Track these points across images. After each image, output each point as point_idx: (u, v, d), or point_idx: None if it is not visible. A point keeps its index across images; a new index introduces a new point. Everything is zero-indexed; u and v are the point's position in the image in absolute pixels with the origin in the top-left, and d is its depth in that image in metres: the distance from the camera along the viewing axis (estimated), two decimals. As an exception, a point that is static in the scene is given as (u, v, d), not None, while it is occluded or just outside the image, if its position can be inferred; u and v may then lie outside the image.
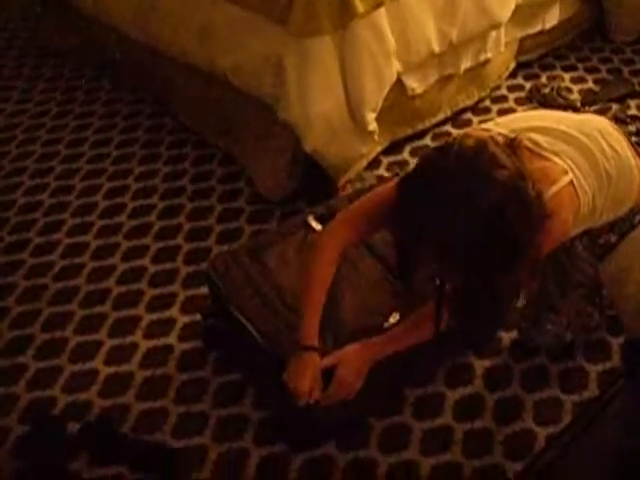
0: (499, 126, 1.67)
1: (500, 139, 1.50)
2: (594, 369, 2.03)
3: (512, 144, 1.47)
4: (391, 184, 1.63)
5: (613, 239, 1.78)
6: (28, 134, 3.12)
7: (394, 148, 2.84)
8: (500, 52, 2.99)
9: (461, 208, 1.33)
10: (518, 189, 1.36)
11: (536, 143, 1.59)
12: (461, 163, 1.36)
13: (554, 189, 1.52)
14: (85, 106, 3.26)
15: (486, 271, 1.40)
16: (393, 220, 1.54)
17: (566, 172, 1.55)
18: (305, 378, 1.68)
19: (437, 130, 2.95)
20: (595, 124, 1.74)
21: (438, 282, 1.63)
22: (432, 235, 1.37)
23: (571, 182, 1.55)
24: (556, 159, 1.57)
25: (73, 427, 1.94)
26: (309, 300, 1.73)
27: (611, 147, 1.67)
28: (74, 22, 3.44)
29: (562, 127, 1.66)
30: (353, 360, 1.72)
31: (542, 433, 1.89)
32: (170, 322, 2.23)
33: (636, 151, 1.76)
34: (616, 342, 2.10)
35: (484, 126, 1.71)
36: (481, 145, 1.39)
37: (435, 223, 1.35)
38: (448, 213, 1.34)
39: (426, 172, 1.40)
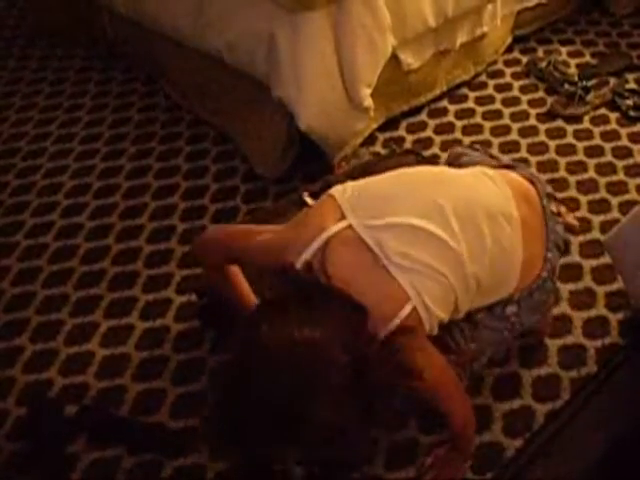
0: (351, 204, 1.55)
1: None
2: (592, 345, 2.03)
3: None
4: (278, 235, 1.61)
5: (483, 318, 1.70)
6: (20, 114, 3.09)
7: (390, 124, 2.82)
8: (496, 26, 2.95)
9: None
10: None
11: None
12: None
13: (396, 322, 1.45)
14: (77, 86, 3.23)
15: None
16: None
17: (408, 299, 1.47)
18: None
19: (433, 106, 2.93)
20: (489, 207, 1.62)
21: None
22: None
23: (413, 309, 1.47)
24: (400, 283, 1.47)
25: (70, 409, 1.94)
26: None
27: (495, 241, 1.59)
28: (65, 1, 3.39)
29: (432, 225, 1.53)
30: None
31: (541, 410, 1.88)
32: (166, 302, 2.22)
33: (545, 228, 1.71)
34: (615, 318, 2.09)
35: (334, 193, 1.59)
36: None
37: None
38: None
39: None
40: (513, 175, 1.78)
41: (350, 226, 1.51)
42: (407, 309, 1.46)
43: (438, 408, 1.65)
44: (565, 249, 1.82)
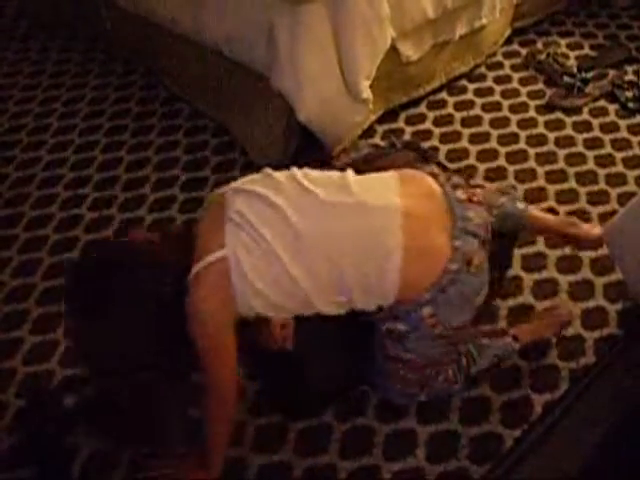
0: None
1: None
2: (591, 336, 2.03)
3: None
4: None
5: (401, 327, 1.65)
6: (20, 107, 3.09)
7: (389, 116, 2.82)
8: (495, 18, 2.95)
9: None
10: None
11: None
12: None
13: (204, 262, 1.52)
14: (77, 78, 3.22)
15: None
16: None
17: (222, 246, 1.53)
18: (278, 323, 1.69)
19: (432, 98, 2.93)
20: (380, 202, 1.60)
21: None
22: None
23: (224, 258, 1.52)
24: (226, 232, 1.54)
25: (70, 401, 1.94)
26: None
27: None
28: (64, -7, 3.40)
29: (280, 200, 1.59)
30: None
31: (539, 400, 1.89)
32: (166, 294, 2.22)
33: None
34: (613, 309, 2.10)
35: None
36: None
37: None
38: None
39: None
40: (408, 171, 1.74)
41: (224, 193, 1.65)
42: (218, 254, 1.51)
43: None
44: (511, 235, 1.78)
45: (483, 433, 1.83)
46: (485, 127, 2.79)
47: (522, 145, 2.70)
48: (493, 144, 2.70)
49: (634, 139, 2.69)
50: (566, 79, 2.91)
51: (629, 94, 2.86)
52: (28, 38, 3.55)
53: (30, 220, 2.53)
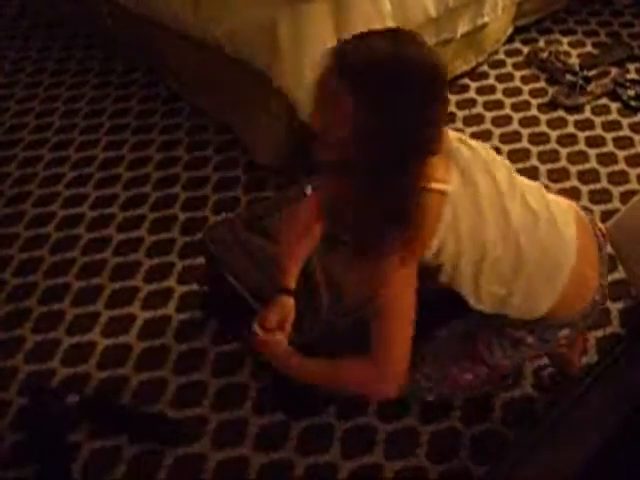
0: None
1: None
2: (593, 335, 2.03)
3: None
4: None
5: (530, 340, 1.63)
6: (21, 105, 3.09)
7: (391, 115, 2.81)
8: (498, 16, 2.94)
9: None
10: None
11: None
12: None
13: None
14: (78, 77, 3.22)
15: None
16: None
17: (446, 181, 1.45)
18: (272, 313, 1.65)
19: (434, 96, 2.92)
20: (557, 205, 1.62)
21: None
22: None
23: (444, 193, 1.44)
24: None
25: (72, 399, 1.94)
26: (287, 249, 1.72)
27: (548, 230, 1.56)
28: (65, -9, 3.39)
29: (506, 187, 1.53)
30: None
31: (541, 399, 1.89)
32: (168, 292, 2.22)
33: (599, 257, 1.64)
34: (615, 308, 2.09)
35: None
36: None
37: None
38: None
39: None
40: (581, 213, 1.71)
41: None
42: (442, 186, 1.43)
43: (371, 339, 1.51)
44: None
45: (484, 432, 1.83)
46: (487, 125, 2.78)
47: (524, 143, 2.69)
48: (495, 142, 2.70)
49: (636, 137, 2.69)
50: (568, 77, 2.91)
51: (631, 92, 2.85)
52: (29, 37, 3.54)
53: (31, 218, 2.53)
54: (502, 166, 1.58)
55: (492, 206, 1.50)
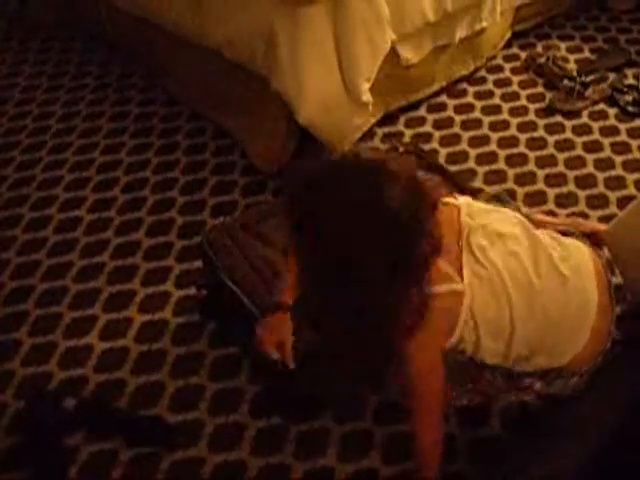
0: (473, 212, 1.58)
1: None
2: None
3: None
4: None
5: (537, 386, 1.66)
6: (19, 108, 3.09)
7: (389, 119, 2.81)
8: (496, 21, 2.95)
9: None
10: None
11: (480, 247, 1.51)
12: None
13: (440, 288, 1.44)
14: (76, 80, 3.22)
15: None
16: None
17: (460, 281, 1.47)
18: (270, 332, 1.66)
19: (432, 101, 2.93)
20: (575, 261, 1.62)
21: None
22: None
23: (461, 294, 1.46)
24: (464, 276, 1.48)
25: (69, 402, 1.94)
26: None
27: (575, 293, 1.58)
28: (64, -6, 3.40)
29: (520, 248, 1.55)
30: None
31: (539, 402, 1.88)
32: (165, 296, 2.22)
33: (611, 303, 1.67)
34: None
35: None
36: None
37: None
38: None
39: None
40: (587, 252, 1.71)
41: (458, 206, 1.56)
42: (456, 288, 1.45)
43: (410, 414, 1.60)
44: None
45: (482, 436, 1.83)
46: (485, 130, 2.79)
47: (522, 148, 2.70)
48: (493, 147, 2.70)
49: (634, 143, 2.69)
50: (566, 82, 2.91)
51: (629, 98, 2.86)
52: (27, 39, 3.54)
53: (29, 221, 2.53)
54: (518, 226, 1.60)
55: (515, 282, 1.51)
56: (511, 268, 1.52)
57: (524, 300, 1.52)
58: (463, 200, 1.61)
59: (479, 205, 1.64)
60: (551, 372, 1.63)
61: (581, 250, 1.68)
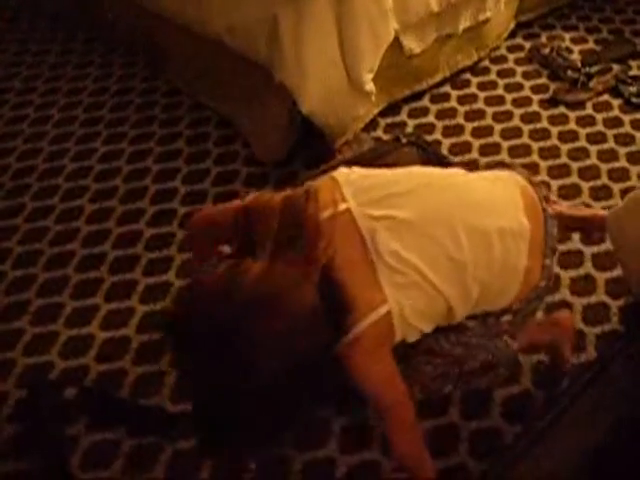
0: (355, 188, 1.53)
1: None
2: (592, 331, 2.03)
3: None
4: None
5: (471, 324, 1.62)
6: (21, 97, 3.08)
7: (392, 109, 2.80)
8: (500, 11, 2.93)
9: None
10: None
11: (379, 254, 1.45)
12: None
13: (364, 324, 1.42)
14: (78, 69, 3.21)
15: None
16: None
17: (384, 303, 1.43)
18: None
19: (435, 91, 2.91)
20: (501, 219, 1.57)
21: None
22: None
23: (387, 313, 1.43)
24: (383, 288, 1.44)
25: (70, 392, 1.94)
26: None
27: (503, 254, 1.54)
28: (66, -17, 3.38)
29: (435, 228, 1.49)
30: None
31: (540, 395, 1.89)
32: (166, 286, 2.22)
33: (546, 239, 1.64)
34: (615, 304, 2.09)
35: (337, 175, 1.57)
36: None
37: None
38: None
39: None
40: (519, 179, 1.70)
41: (348, 210, 1.49)
42: (381, 312, 1.43)
43: None
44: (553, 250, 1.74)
45: (484, 428, 1.83)
46: (488, 121, 2.78)
47: (525, 139, 2.69)
48: (496, 138, 2.69)
49: (637, 134, 2.69)
50: (570, 73, 2.90)
51: (633, 89, 2.85)
52: (29, 29, 3.53)
53: (31, 211, 2.52)
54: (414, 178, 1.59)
55: (438, 269, 1.47)
56: (429, 256, 1.47)
57: (452, 282, 1.49)
58: (337, 174, 1.57)
59: (359, 172, 1.60)
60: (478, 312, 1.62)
61: (506, 183, 1.66)
